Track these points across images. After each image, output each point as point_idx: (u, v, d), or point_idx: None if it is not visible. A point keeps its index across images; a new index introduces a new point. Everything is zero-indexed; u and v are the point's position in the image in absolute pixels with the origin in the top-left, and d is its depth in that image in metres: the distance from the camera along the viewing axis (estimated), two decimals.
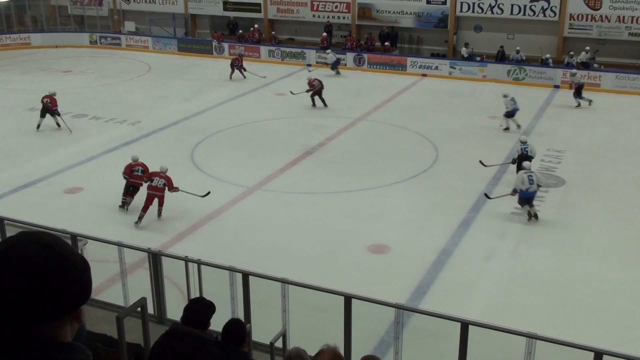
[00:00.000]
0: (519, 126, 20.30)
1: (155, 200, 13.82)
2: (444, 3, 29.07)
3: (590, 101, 22.90)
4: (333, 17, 31.30)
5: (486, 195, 14.83)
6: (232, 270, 8.37)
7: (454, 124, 21.12)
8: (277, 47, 30.92)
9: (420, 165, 17.26)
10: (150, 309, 8.14)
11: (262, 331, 7.63)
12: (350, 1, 30.83)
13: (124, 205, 14.32)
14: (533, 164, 15.32)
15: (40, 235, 1.60)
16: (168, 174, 14.02)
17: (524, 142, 16.12)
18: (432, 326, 9.07)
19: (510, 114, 20.21)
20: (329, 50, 29.06)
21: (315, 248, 12.71)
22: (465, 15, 29.08)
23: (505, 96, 20.24)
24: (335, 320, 7.83)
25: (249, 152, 18.34)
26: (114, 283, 9.36)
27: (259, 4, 32.67)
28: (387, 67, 28.79)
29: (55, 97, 20.01)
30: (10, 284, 1.50)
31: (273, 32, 32.23)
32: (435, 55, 29.40)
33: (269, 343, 6.78)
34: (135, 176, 14.24)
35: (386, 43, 29.63)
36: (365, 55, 29.31)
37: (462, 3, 28.82)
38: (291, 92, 23.50)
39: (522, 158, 15.66)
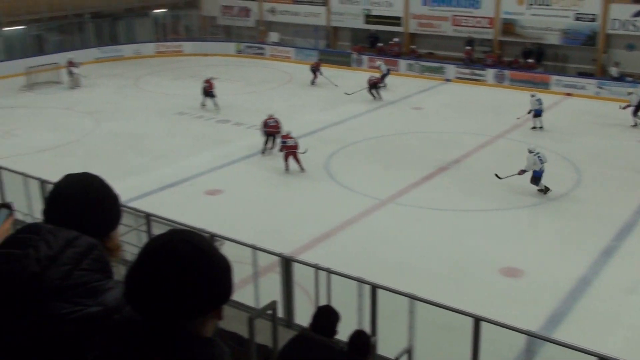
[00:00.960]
0: (540, 127, 21.69)
1: (291, 159, 17.41)
2: (594, 20, 27.71)
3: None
4: (474, 32, 30.73)
5: (496, 175, 16.30)
6: (361, 281, 8.39)
7: (599, 146, 20.05)
8: (417, 61, 30.78)
9: (560, 188, 16.51)
10: (280, 313, 8.32)
11: (387, 345, 7.59)
12: (494, 16, 30.14)
13: (264, 151, 19.04)
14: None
15: (190, 234, 1.68)
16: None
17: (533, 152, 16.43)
18: (567, 358, 8.62)
19: (537, 114, 21.63)
20: (379, 62, 29.17)
21: (446, 266, 12.49)
22: (616, 33, 27.54)
23: (532, 96, 21.87)
24: (462, 341, 7.64)
25: (383, 165, 18.36)
26: (247, 284, 9.66)
27: (400, 18, 32.70)
28: (530, 85, 27.82)
29: (213, 81, 24.17)
30: (164, 280, 1.59)
31: (413, 46, 32.13)
32: (581, 74, 28.07)
33: (393, 358, 6.73)
34: (270, 126, 18.99)
35: (529, 60, 28.66)
36: (507, 72, 28.52)
37: (613, 20, 27.33)
38: (346, 94, 25.38)
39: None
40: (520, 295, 11.53)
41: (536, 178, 15.91)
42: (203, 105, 24.29)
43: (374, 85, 25.84)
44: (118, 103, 25.31)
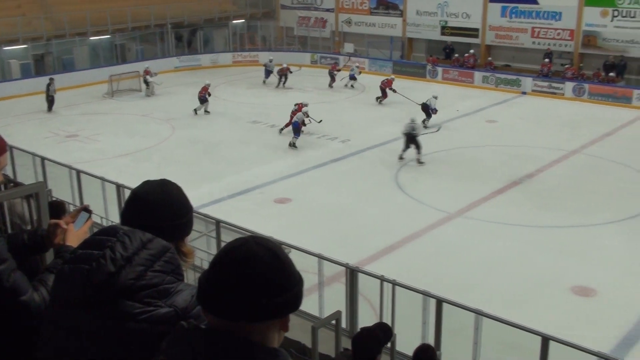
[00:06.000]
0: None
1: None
2: None
3: None
4: (554, 45, 30.01)
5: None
6: (426, 294, 8.34)
7: None
8: (492, 74, 30.33)
9: (639, 206, 15.92)
10: (343, 323, 8.36)
11: None
12: (575, 28, 29.37)
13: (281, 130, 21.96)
14: None
15: (267, 240, 1.74)
16: None
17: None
18: None
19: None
20: (357, 63, 30.10)
21: (514, 282, 12.23)
22: None
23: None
24: None
25: (453, 177, 18.16)
26: (312, 293, 9.73)
27: (477, 30, 32.31)
28: (610, 99, 26.98)
29: (207, 86, 24.98)
30: (236, 279, 1.65)
31: (489, 58, 31.67)
32: None
33: None
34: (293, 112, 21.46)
35: (611, 73, 27.76)
36: (586, 85, 27.72)
37: None
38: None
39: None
40: (592, 315, 11.18)
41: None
42: (206, 111, 25.24)
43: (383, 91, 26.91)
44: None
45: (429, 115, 23.41)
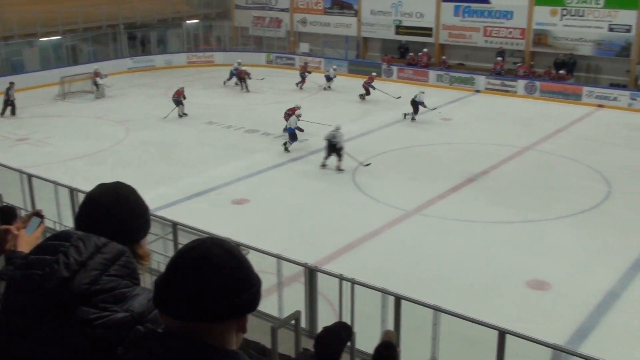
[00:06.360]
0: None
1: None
2: (628, 31, 27.38)
3: None
4: (506, 43, 30.55)
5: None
6: (384, 292, 8.40)
7: (631, 159, 19.78)
8: (446, 72, 30.72)
9: (590, 201, 16.33)
10: (303, 323, 8.36)
11: (410, 357, 7.58)
12: (526, 27, 29.95)
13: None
14: None
15: (224, 241, 1.74)
16: None
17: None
18: None
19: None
20: (335, 66, 30.36)
21: (471, 278, 12.41)
22: None
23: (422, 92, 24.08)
24: (487, 354, 7.60)
25: (409, 176, 18.33)
26: (271, 294, 9.71)
27: (431, 29, 32.68)
28: (561, 96, 27.60)
29: (181, 89, 24.45)
30: (193, 279, 1.64)
31: (443, 57, 32.07)
32: (614, 86, 27.73)
33: None
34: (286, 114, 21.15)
35: (561, 71, 28.40)
36: (538, 83, 28.30)
37: None
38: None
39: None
40: (547, 309, 11.41)
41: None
42: (181, 115, 24.77)
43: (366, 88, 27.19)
44: (148, 112, 25.67)
45: (416, 110, 24.16)
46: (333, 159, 18.70)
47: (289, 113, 21.36)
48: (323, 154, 18.81)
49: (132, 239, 2.19)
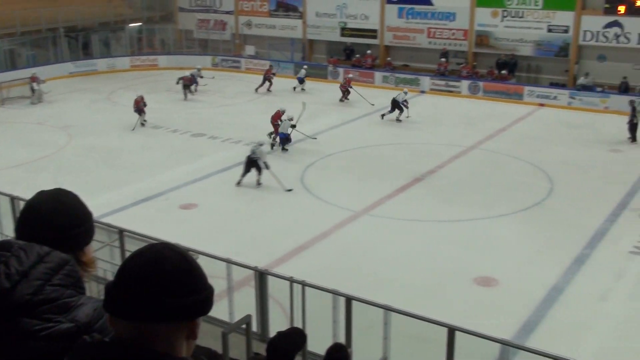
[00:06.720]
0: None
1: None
2: (566, 32, 28.19)
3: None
4: (449, 44, 31.06)
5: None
6: (335, 293, 8.41)
7: (571, 156, 20.36)
8: (392, 73, 31.04)
9: (533, 198, 16.73)
10: (254, 327, 8.31)
11: (362, 357, 7.61)
12: (468, 28, 30.52)
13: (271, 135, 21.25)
14: None
15: (175, 246, 1.74)
16: None
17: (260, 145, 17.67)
18: None
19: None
20: (306, 66, 30.40)
21: (421, 277, 12.56)
22: (588, 44, 28.02)
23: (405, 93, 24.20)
24: (437, 352, 7.68)
25: (358, 177, 18.45)
26: (221, 298, 9.61)
27: (376, 31, 32.97)
28: (503, 96, 28.21)
29: (139, 97, 23.43)
30: (143, 279, 1.63)
31: (389, 58, 32.39)
32: (554, 85, 28.50)
33: None
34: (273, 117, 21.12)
35: (503, 71, 29.05)
36: (481, 83, 28.87)
37: (585, 32, 27.81)
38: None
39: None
40: (495, 305, 11.63)
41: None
42: (142, 123, 23.75)
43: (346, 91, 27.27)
44: (91, 117, 25.15)
45: (400, 109, 24.38)
46: (251, 175, 17.54)
47: (276, 119, 21.33)
48: (241, 170, 17.60)
49: (75, 246, 2.14)
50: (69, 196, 2.19)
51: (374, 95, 27.78)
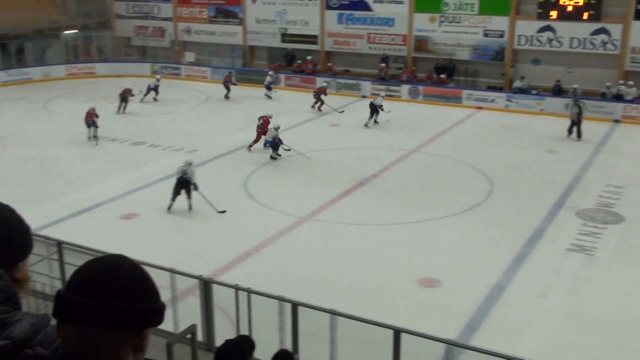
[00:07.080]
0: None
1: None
2: (502, 36, 28.91)
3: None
4: (389, 50, 31.44)
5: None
6: (281, 299, 8.39)
7: (509, 157, 20.86)
8: (333, 79, 31.21)
9: (474, 199, 17.06)
10: (200, 337, 8.21)
11: None
12: (407, 34, 30.96)
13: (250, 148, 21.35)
14: None
15: (130, 258, 1.74)
16: None
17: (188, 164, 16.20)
18: None
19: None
20: (271, 72, 30.68)
21: (366, 280, 12.65)
22: (523, 48, 28.81)
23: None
24: (384, 354, 7.74)
25: (301, 182, 18.47)
26: (166, 309, 9.50)
27: (316, 37, 33.11)
28: (442, 100, 28.71)
29: (92, 111, 22.21)
30: (95, 282, 1.63)
31: (329, 64, 32.56)
32: (491, 88, 29.18)
33: None
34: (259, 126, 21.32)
35: (442, 75, 29.57)
36: (421, 88, 29.31)
37: (519, 36, 28.60)
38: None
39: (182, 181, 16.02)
40: (439, 305, 11.80)
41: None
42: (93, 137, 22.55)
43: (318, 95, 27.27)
44: (26, 127, 24.45)
45: (377, 113, 24.53)
46: (182, 198, 16.25)
47: (262, 124, 21.41)
48: (170, 194, 16.19)
49: (10, 261, 2.06)
50: (3, 208, 2.11)
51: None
